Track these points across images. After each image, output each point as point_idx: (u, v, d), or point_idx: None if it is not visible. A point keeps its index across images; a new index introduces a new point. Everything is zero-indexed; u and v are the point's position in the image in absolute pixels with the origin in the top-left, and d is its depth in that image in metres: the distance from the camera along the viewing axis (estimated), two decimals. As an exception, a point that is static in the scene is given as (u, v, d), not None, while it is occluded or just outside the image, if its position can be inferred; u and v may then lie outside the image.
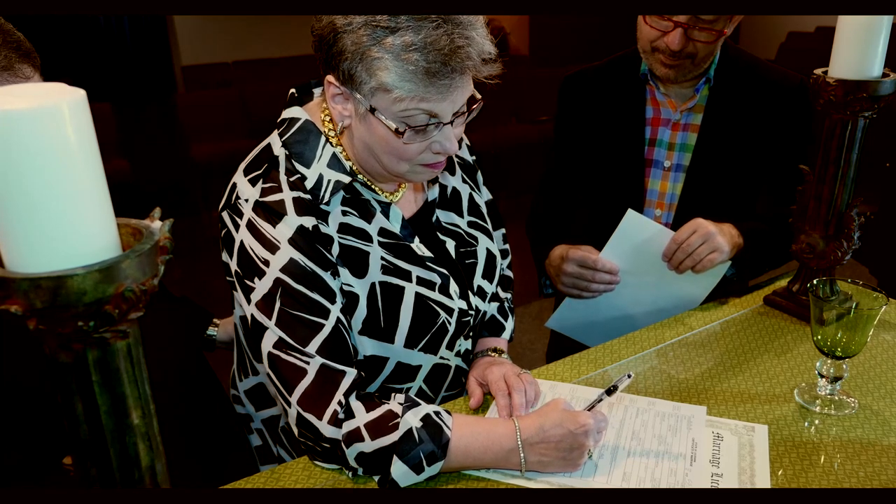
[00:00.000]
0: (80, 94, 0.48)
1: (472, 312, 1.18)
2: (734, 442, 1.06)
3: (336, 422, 0.98)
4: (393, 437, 0.96)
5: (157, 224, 0.53)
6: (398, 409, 0.99)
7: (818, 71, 1.32)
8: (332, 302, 1.02)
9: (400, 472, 0.97)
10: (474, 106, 1.02)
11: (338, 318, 1.02)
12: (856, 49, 1.26)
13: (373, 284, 1.07)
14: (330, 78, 0.98)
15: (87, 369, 0.51)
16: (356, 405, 0.99)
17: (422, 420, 0.98)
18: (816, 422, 1.11)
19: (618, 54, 1.60)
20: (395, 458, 0.96)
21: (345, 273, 1.05)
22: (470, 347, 1.24)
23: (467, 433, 0.99)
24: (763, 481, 0.98)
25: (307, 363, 0.99)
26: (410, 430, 0.97)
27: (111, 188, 0.51)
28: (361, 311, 1.06)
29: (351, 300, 1.05)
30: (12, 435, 1.04)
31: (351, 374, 1.00)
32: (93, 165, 0.49)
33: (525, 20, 7.13)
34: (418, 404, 1.01)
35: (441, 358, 1.16)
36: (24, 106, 0.45)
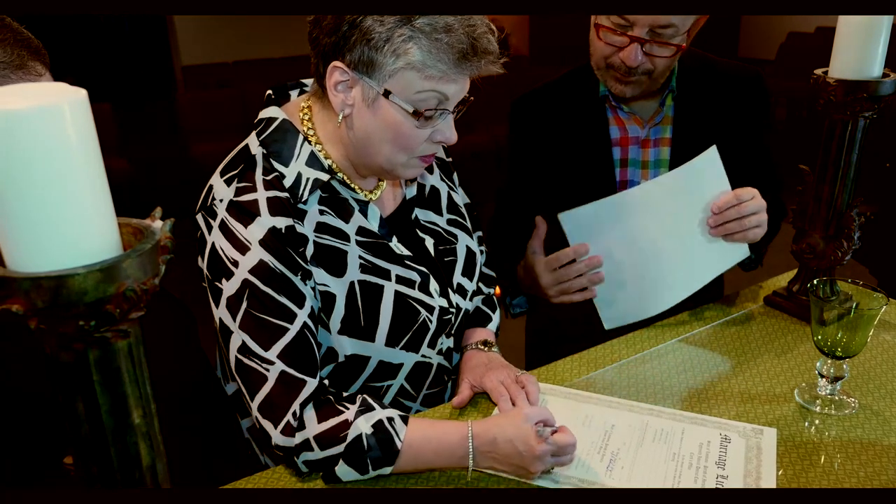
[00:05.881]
0: (81, 94, 0.48)
1: (453, 310, 1.18)
2: (741, 444, 1.06)
3: (288, 432, 0.97)
4: (341, 447, 0.97)
5: (158, 224, 0.53)
6: (350, 417, 0.98)
7: (818, 71, 1.32)
8: (300, 306, 1.01)
9: (344, 471, 0.98)
10: (461, 106, 1.04)
11: (304, 324, 1.01)
12: (856, 49, 1.26)
13: (351, 283, 1.07)
14: (337, 64, 0.97)
15: (88, 369, 0.51)
16: (309, 415, 0.98)
17: (373, 427, 0.98)
18: (817, 422, 1.11)
19: (568, 71, 1.53)
20: (340, 461, 0.97)
21: (320, 273, 1.04)
22: (452, 346, 1.23)
23: (419, 438, 1.00)
24: (768, 485, 0.98)
25: (267, 370, 0.99)
26: (360, 436, 0.97)
27: (111, 188, 0.51)
28: (339, 310, 1.06)
29: (327, 300, 1.05)
30: (13, 435, 1.04)
31: (311, 384, 1.00)
32: (94, 165, 0.49)
33: (525, 20, 7.13)
34: (373, 409, 1.00)
35: (423, 356, 1.16)
36: (25, 106, 0.45)
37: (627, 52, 1.30)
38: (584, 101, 1.47)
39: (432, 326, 1.14)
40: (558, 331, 1.31)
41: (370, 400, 1.02)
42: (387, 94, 0.97)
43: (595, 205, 1.28)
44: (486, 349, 1.25)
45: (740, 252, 1.37)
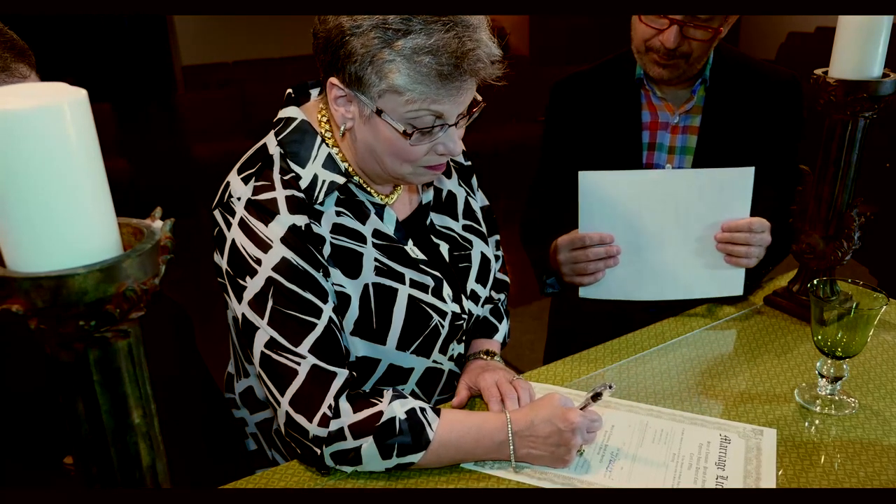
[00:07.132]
0: (81, 94, 0.48)
1: (465, 316, 1.18)
2: (741, 445, 1.06)
3: (325, 422, 0.98)
4: (373, 431, 0.98)
5: (158, 224, 0.53)
6: (384, 407, 0.99)
7: (818, 71, 1.32)
8: (325, 301, 1.02)
9: (370, 452, 0.98)
10: (475, 109, 1.02)
11: (330, 318, 1.02)
12: (856, 49, 1.26)
13: (366, 286, 1.07)
14: (333, 80, 0.98)
15: (88, 369, 0.51)
16: (345, 406, 0.99)
17: (407, 413, 0.99)
18: (817, 422, 1.11)
19: (609, 57, 1.58)
20: (371, 438, 0.98)
21: (336, 273, 1.05)
22: (463, 352, 1.23)
23: (458, 428, 1.01)
24: (768, 485, 0.98)
25: (298, 364, 0.99)
26: (393, 419, 0.99)
27: (111, 188, 0.51)
28: (353, 311, 1.06)
29: (342, 301, 1.05)
30: (13, 435, 1.04)
31: (342, 374, 1.00)
32: (94, 165, 0.49)
33: (525, 20, 7.13)
34: (405, 397, 1.02)
35: (434, 362, 1.16)
36: (26, 106, 0.45)
37: (667, 35, 1.36)
38: (620, 84, 1.53)
39: (444, 332, 1.14)
40: (581, 330, 1.33)
41: (402, 392, 1.04)
42: (379, 112, 0.97)
43: (616, 174, 1.31)
44: (487, 358, 1.25)
45: (733, 287, 1.37)
